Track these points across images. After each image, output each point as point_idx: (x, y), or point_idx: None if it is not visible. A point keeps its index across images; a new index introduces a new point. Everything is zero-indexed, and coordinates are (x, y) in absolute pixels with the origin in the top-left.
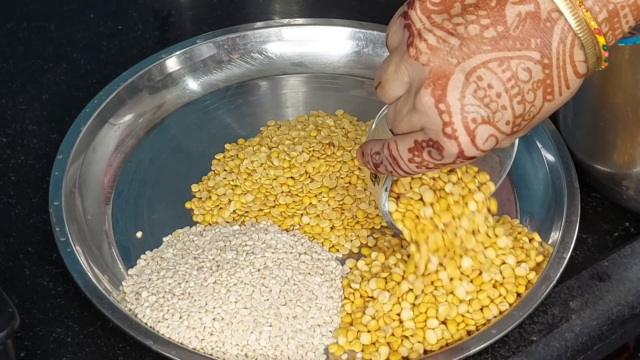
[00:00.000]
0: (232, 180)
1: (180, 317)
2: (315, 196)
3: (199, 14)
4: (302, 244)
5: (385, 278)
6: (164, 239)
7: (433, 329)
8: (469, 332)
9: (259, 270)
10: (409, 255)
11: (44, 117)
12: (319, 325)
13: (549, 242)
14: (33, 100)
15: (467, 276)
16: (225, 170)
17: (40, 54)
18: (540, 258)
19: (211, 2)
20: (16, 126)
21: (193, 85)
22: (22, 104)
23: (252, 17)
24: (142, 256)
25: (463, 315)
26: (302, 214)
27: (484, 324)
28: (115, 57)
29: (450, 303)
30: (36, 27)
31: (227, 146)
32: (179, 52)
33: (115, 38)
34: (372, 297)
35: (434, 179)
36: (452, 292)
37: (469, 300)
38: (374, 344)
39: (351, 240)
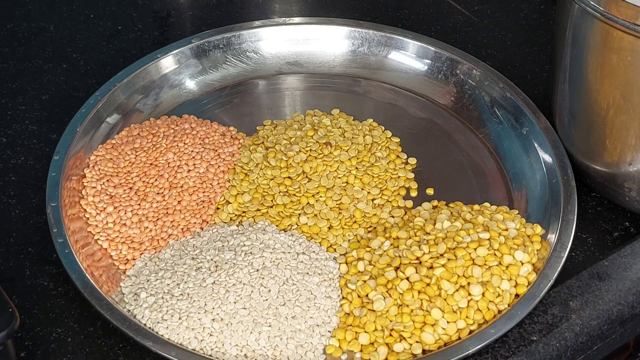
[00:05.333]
0: (229, 181)
1: (180, 318)
2: (313, 196)
3: (199, 14)
4: (300, 244)
5: (384, 285)
6: None
7: (432, 325)
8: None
9: (257, 270)
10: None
11: (44, 117)
12: (317, 325)
13: (547, 242)
14: (33, 100)
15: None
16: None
17: (40, 54)
18: (543, 249)
19: (211, 3)
20: (16, 126)
21: (189, 84)
22: (22, 104)
23: (252, 18)
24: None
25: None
26: (299, 214)
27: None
28: (114, 58)
29: (448, 304)
30: (36, 27)
31: None
32: (174, 52)
33: (115, 38)
34: (369, 299)
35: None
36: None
37: (468, 301)
38: (372, 344)
39: (349, 240)
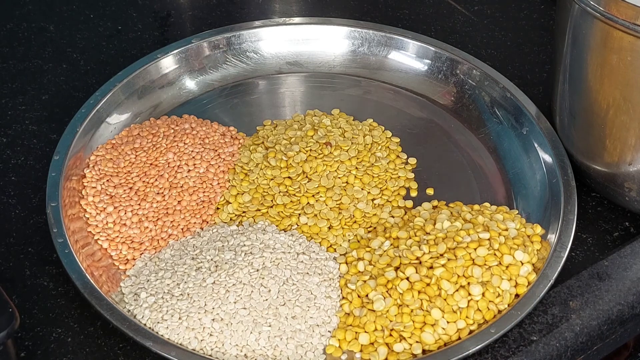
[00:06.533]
0: (229, 181)
1: (180, 318)
2: (313, 196)
3: (199, 14)
4: (300, 244)
5: (384, 285)
6: None
7: (432, 325)
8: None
9: (257, 270)
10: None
11: (44, 117)
12: (317, 325)
13: (547, 241)
14: (33, 100)
15: (469, 277)
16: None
17: (40, 54)
18: (543, 249)
19: (211, 3)
20: (16, 126)
21: (189, 84)
22: (22, 104)
23: (252, 18)
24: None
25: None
26: (299, 214)
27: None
28: (115, 58)
29: (448, 304)
30: (36, 28)
31: None
32: (174, 52)
33: (115, 38)
34: (369, 299)
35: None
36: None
37: (468, 301)
38: (372, 344)
39: (349, 240)
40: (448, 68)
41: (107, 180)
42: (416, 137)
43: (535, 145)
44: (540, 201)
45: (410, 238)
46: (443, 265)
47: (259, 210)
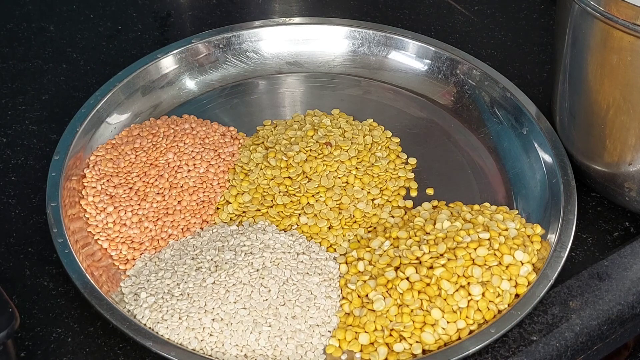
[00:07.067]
0: (229, 181)
1: (180, 318)
2: (313, 196)
3: (199, 14)
4: (300, 244)
5: (384, 285)
6: None
7: (432, 325)
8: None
9: (257, 270)
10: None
11: (44, 117)
12: (317, 325)
13: (547, 241)
14: (33, 100)
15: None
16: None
17: (40, 54)
18: (543, 249)
19: (211, 2)
20: (16, 126)
21: (189, 84)
22: (22, 104)
23: (252, 18)
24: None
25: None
26: (299, 214)
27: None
28: (114, 58)
29: (448, 304)
30: (36, 28)
31: None
32: (174, 52)
33: (115, 38)
34: (369, 299)
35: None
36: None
37: (468, 301)
38: (372, 344)
39: (349, 240)
40: (448, 68)
41: (107, 180)
42: (416, 137)
43: (535, 145)
44: (540, 201)
45: (410, 238)
46: (443, 265)
47: (259, 210)
